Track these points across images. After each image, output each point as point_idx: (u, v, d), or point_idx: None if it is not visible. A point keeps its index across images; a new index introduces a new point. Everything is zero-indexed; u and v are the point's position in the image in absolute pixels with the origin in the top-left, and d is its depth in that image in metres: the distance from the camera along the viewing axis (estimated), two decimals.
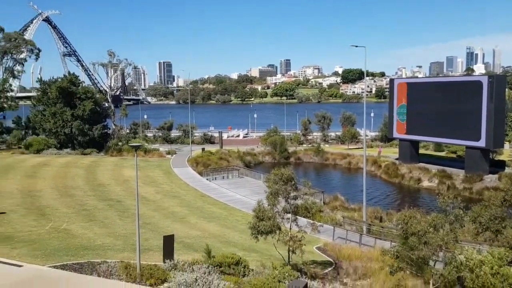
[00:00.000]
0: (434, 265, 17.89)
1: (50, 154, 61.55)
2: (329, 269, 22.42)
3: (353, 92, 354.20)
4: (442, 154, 71.22)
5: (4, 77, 76.16)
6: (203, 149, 72.72)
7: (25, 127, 78.40)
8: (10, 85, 77.88)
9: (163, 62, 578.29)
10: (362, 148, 61.47)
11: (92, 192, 38.42)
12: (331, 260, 24.45)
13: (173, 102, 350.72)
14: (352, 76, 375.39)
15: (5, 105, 72.47)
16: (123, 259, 19.04)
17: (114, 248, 21.76)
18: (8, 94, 74.49)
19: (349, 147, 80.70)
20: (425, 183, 56.42)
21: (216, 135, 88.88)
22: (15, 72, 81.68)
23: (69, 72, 76.59)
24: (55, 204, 32.39)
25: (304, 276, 18.61)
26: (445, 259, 17.24)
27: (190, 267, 17.84)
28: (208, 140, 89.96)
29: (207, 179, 51.32)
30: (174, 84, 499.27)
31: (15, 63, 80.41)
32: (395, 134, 65.09)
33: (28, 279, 17.25)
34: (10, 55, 77.73)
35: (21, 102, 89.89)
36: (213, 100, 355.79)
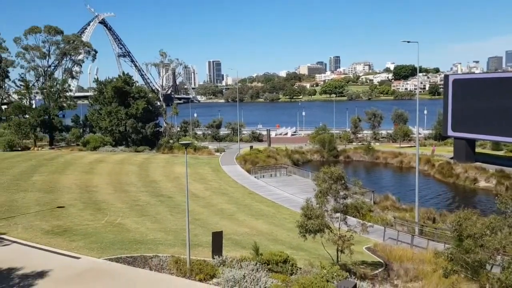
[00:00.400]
0: (491, 269, 17.04)
1: (105, 151, 64.18)
2: (379, 270, 21.92)
3: (406, 89, 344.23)
4: (501, 153, 67.70)
5: (63, 77, 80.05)
6: (251, 147, 73.20)
7: (83, 125, 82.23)
8: (69, 85, 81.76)
9: (213, 61, 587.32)
10: (414, 146, 59.60)
11: (144, 188, 39.67)
12: (381, 261, 23.90)
13: (222, 101, 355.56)
14: (404, 73, 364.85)
15: (65, 105, 76.15)
16: (174, 254, 19.53)
17: (165, 243, 22.36)
18: (67, 94, 78.24)
19: (401, 145, 78.46)
20: (482, 184, 53.84)
21: (264, 133, 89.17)
22: (74, 73, 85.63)
23: (123, 72, 79.37)
24: (110, 199, 33.73)
25: (353, 277, 18.31)
26: (503, 263, 16.38)
27: (238, 263, 18.02)
28: (256, 138, 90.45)
29: (255, 177, 51.64)
30: (223, 83, 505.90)
31: (73, 64, 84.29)
32: (450, 132, 62.56)
33: (85, 270, 18.08)
34: (69, 56, 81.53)
35: (79, 102, 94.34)
36: (261, 98, 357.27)
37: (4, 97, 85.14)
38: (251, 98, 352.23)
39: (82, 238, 22.48)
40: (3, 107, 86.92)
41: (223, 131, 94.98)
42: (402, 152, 71.47)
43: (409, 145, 78.31)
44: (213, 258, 18.70)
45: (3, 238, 22.51)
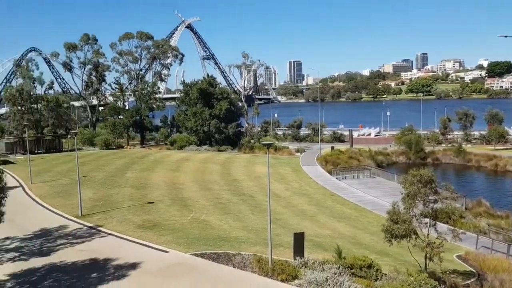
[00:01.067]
0: None
1: (191, 150, 66.90)
2: (472, 280, 20.49)
3: (501, 87, 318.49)
4: None
5: (153, 80, 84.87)
6: (332, 147, 72.14)
7: (170, 126, 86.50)
8: (158, 87, 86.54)
9: (293, 61, 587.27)
10: (511, 148, 54.90)
11: (227, 187, 40.71)
12: (474, 271, 22.32)
13: (302, 101, 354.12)
14: (499, 70, 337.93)
15: (154, 106, 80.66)
16: (256, 253, 19.79)
17: (248, 241, 22.75)
18: (157, 96, 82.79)
19: (496, 147, 72.74)
20: None
21: (346, 133, 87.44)
22: (163, 76, 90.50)
23: (207, 75, 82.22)
24: (195, 197, 35.06)
25: (443, 286, 17.27)
26: None
27: (320, 266, 17.81)
28: (338, 138, 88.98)
29: (336, 178, 50.77)
30: (304, 83, 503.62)
31: (162, 68, 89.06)
32: None
33: (173, 264, 18.95)
34: (158, 60, 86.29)
35: (167, 103, 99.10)
36: (343, 98, 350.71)
37: (101, 99, 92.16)
38: (332, 97, 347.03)
39: (170, 233, 23.60)
40: (100, 108, 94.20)
41: (304, 131, 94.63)
42: (497, 155, 66.26)
43: (505, 147, 72.37)
44: (294, 259, 18.66)
45: (100, 230, 24.35)
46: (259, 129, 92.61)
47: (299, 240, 19.15)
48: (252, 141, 73.30)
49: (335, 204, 38.67)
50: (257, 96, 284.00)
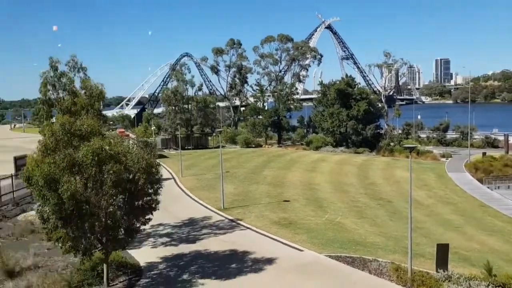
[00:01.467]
0: None
1: (326, 151, 66.72)
2: None
3: None
4: None
5: (292, 81, 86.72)
6: (484, 153, 65.30)
7: (307, 126, 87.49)
8: (296, 88, 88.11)
9: (440, 60, 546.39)
10: None
11: (363, 190, 39.64)
12: None
13: (450, 101, 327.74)
14: None
15: (292, 106, 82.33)
16: (394, 261, 18.90)
17: (385, 248, 21.84)
18: (295, 97, 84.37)
19: None
20: None
21: (501, 138, 78.30)
22: (301, 77, 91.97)
23: (346, 75, 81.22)
24: (331, 198, 34.85)
25: None
26: None
27: (466, 282, 16.27)
28: (491, 143, 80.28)
29: (488, 187, 45.88)
30: (452, 82, 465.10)
31: (301, 69, 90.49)
32: None
33: (308, 263, 19.11)
34: (297, 62, 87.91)
35: (304, 104, 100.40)
36: (497, 98, 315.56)
37: (243, 100, 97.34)
38: (485, 98, 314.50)
39: (305, 232, 23.84)
40: (242, 109, 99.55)
41: (450, 135, 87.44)
42: None
43: None
44: (437, 271, 17.35)
45: (240, 224, 25.71)
46: (400, 132, 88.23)
47: (443, 252, 17.76)
48: (391, 143, 70.23)
49: (485, 215, 34.97)
50: (398, 97, 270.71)
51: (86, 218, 15.27)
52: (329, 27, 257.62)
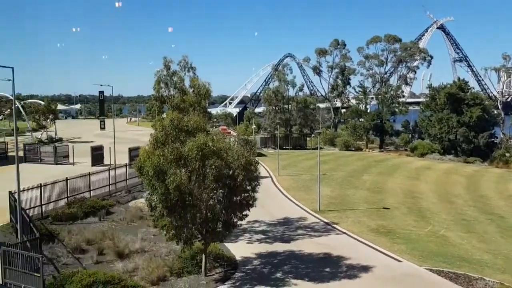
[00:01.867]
0: None
1: (432, 158, 62.84)
2: None
3: None
4: None
5: (398, 84, 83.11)
6: None
7: (412, 131, 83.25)
8: (402, 91, 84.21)
9: None
10: None
11: (472, 203, 36.65)
12: None
13: None
14: None
15: (396, 110, 78.85)
16: (503, 281, 17.29)
17: (493, 267, 20.00)
18: (400, 100, 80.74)
19: None
20: None
21: None
22: (408, 79, 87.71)
23: (458, 78, 75.77)
24: (434, 208, 32.77)
25: None
26: None
27: None
28: None
29: None
30: None
31: (408, 71, 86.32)
32: None
33: (405, 275, 18.22)
34: (404, 63, 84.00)
35: (410, 107, 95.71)
36: None
37: (344, 101, 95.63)
38: None
39: (405, 242, 22.74)
40: (343, 110, 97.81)
41: None
42: None
43: None
44: None
45: (335, 227, 25.33)
46: None
47: None
48: (507, 154, 63.98)
49: None
50: None
51: (188, 209, 16.16)
52: (441, 27, 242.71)
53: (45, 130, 76.27)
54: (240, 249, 21.15)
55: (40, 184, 26.14)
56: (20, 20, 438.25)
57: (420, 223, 27.78)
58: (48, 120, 78.51)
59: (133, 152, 41.98)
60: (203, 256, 17.71)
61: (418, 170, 50.49)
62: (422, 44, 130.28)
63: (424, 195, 37.49)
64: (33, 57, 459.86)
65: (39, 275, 14.68)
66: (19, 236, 19.57)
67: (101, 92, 53.36)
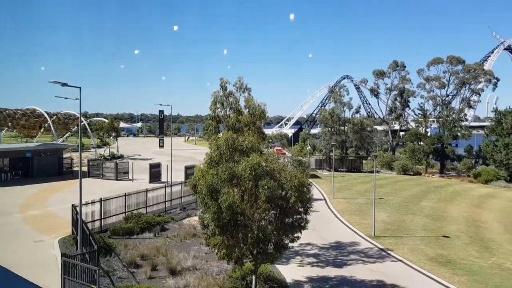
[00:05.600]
0: None
1: (498, 186, 59.26)
2: None
3: None
4: None
5: (460, 107, 79.78)
6: None
7: (475, 156, 79.11)
8: (465, 115, 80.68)
9: None
10: None
11: None
12: None
13: None
14: None
15: (459, 134, 75.36)
16: None
17: None
18: (463, 124, 77.27)
19: None
20: None
21: None
22: (471, 102, 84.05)
23: None
24: (500, 239, 30.75)
25: None
26: None
27: None
28: None
29: None
30: None
31: (472, 94, 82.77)
32: None
33: None
34: (468, 86, 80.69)
35: (474, 132, 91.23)
36: None
37: (403, 124, 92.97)
38: None
39: (466, 274, 21.46)
40: (401, 133, 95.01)
41: None
42: None
43: None
44: None
45: (390, 254, 24.40)
46: None
47: None
48: None
49: None
50: None
51: (240, 229, 16.21)
52: (509, 48, 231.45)
53: (108, 146, 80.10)
54: (291, 271, 20.88)
55: (101, 198, 27.36)
56: (89, 42, 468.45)
57: (483, 254, 26.14)
58: (111, 137, 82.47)
59: (189, 170, 43.04)
60: (254, 277, 17.64)
61: (481, 197, 47.78)
62: (487, 66, 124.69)
63: (488, 224, 35.34)
64: (100, 77, 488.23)
65: (95, 286, 15.26)
66: (78, 248, 20.48)
67: (161, 111, 55.50)
